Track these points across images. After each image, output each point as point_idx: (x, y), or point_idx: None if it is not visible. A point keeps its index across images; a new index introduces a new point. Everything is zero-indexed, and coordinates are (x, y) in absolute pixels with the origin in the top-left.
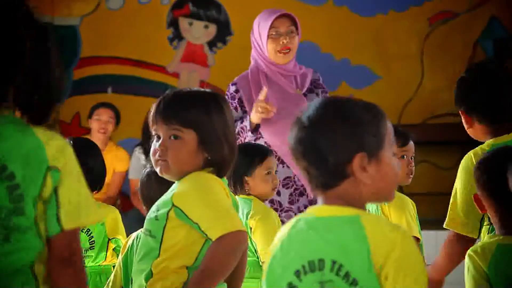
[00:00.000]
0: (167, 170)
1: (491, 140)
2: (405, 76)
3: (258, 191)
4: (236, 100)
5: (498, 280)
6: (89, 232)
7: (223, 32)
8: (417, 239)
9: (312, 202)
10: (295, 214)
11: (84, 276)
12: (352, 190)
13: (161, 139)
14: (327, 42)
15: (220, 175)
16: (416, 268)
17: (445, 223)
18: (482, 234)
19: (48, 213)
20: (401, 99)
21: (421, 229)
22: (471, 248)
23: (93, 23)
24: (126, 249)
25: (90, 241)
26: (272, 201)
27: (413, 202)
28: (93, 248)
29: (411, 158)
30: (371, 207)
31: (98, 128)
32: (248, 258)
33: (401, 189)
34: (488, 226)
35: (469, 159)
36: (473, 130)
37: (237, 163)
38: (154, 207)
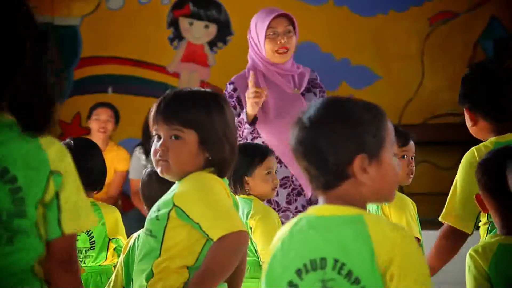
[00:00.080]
0: (168, 171)
1: (494, 138)
2: (405, 76)
3: (258, 191)
4: (234, 99)
5: (499, 280)
6: (90, 232)
7: (224, 32)
8: (418, 239)
9: (310, 202)
10: (293, 214)
11: (80, 277)
12: (353, 190)
13: (162, 139)
14: (327, 42)
15: (221, 175)
16: (416, 268)
17: (440, 216)
18: (481, 234)
19: (48, 216)
20: (402, 99)
21: (422, 229)
22: (472, 248)
23: (93, 23)
24: (127, 249)
25: (91, 241)
26: (269, 201)
27: (413, 202)
28: (94, 248)
29: (412, 158)
30: (371, 207)
31: (98, 127)
32: (248, 258)
33: (401, 189)
34: (487, 226)
35: (471, 155)
36: (476, 128)
37: (237, 163)
38: (155, 207)
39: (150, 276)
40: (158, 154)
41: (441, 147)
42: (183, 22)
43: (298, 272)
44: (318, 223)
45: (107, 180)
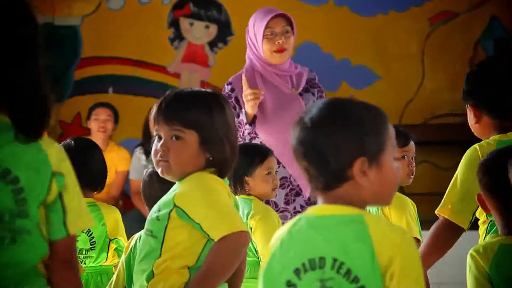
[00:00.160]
0: (169, 171)
1: (497, 136)
2: (405, 76)
3: (258, 191)
4: (233, 99)
5: (500, 280)
6: (90, 233)
7: (224, 32)
8: (417, 240)
9: (309, 202)
10: (291, 214)
11: (80, 276)
12: (352, 192)
13: (163, 139)
14: (328, 42)
15: (221, 175)
16: (416, 268)
17: (436, 209)
18: (480, 234)
19: (52, 217)
20: (402, 99)
21: (422, 229)
22: (473, 248)
23: (94, 23)
24: (129, 249)
25: (91, 241)
26: (267, 202)
27: (413, 202)
28: (94, 249)
29: (412, 159)
30: (371, 207)
31: (98, 127)
32: (248, 258)
33: (401, 189)
34: (486, 226)
35: (474, 151)
36: (479, 126)
37: (238, 163)
38: (155, 207)
39: (150, 276)
40: (159, 155)
41: (441, 147)
42: (184, 23)
43: (297, 272)
44: (318, 223)
45: (108, 180)
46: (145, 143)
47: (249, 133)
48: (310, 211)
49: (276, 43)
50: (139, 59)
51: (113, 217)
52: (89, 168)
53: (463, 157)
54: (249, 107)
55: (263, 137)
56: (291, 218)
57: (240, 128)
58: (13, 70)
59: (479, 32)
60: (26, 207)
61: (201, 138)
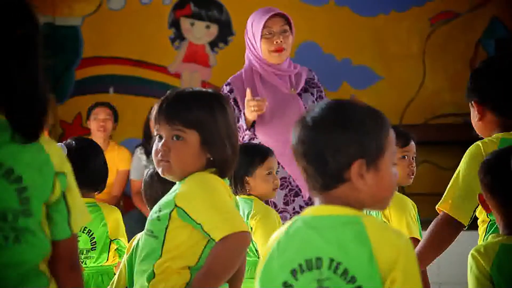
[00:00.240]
0: (169, 171)
1: (500, 134)
2: (406, 76)
3: (259, 191)
4: (231, 100)
5: (501, 281)
6: (91, 233)
7: (225, 32)
8: (418, 241)
9: (308, 202)
10: (290, 215)
11: (83, 276)
12: (349, 193)
13: (164, 139)
14: (329, 42)
15: (222, 175)
16: (417, 273)
17: (437, 204)
18: (479, 234)
19: (55, 217)
20: (403, 99)
21: (422, 229)
22: (474, 248)
23: (95, 23)
24: (131, 249)
25: (92, 242)
26: (266, 202)
27: (413, 202)
28: (95, 249)
29: (412, 159)
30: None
31: (97, 127)
32: (249, 258)
33: (402, 190)
34: (486, 225)
35: (477, 147)
36: (482, 124)
37: (238, 163)
38: (156, 208)
39: (151, 276)
40: (159, 155)
41: (442, 147)
42: (184, 23)
43: (293, 272)
44: (315, 223)
45: (109, 180)
46: (146, 143)
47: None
48: (307, 211)
49: (274, 42)
50: (139, 59)
51: (114, 217)
52: (90, 168)
53: (466, 153)
54: (250, 115)
55: (262, 138)
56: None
57: (240, 132)
58: (12, 70)
59: (480, 32)
60: (29, 206)
61: (202, 138)
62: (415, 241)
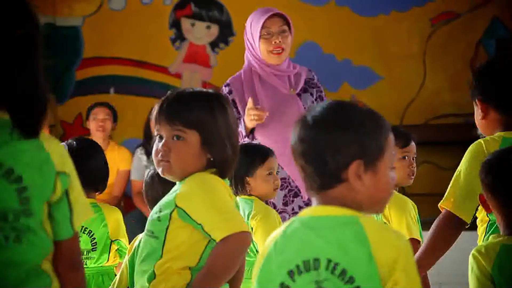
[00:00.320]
0: (170, 171)
1: (502, 132)
2: (407, 76)
3: (260, 191)
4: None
5: (502, 281)
6: (91, 234)
7: (225, 32)
8: (418, 241)
9: (307, 203)
10: (290, 215)
11: (85, 276)
12: (347, 194)
13: (164, 139)
14: (329, 43)
15: (222, 176)
16: (416, 274)
17: (440, 202)
18: (479, 234)
19: (58, 216)
20: (403, 100)
21: (423, 230)
22: (474, 248)
23: (95, 23)
24: (132, 250)
25: (92, 242)
26: (266, 203)
27: (413, 203)
28: (95, 250)
29: (413, 159)
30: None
31: (96, 127)
32: (249, 259)
33: (403, 190)
34: (485, 226)
35: (479, 145)
36: (486, 122)
37: (238, 163)
38: (156, 208)
39: (152, 277)
40: (159, 155)
41: (442, 148)
42: (185, 23)
43: (290, 274)
44: (313, 223)
45: (110, 180)
46: (146, 144)
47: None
48: (305, 212)
49: (273, 42)
50: (140, 59)
51: (115, 218)
52: (91, 169)
53: (467, 151)
54: (250, 123)
55: (261, 138)
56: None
57: (239, 137)
58: (12, 70)
59: (480, 32)
60: (29, 206)
61: (203, 139)
62: (415, 242)
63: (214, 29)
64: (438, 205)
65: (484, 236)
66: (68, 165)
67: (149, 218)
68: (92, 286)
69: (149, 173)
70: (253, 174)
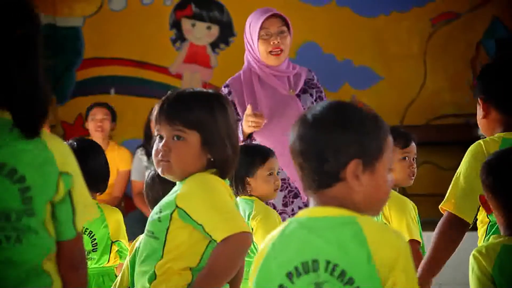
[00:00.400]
0: (169, 171)
1: (502, 133)
2: (407, 77)
3: (260, 192)
4: None
5: (503, 281)
6: (92, 235)
7: (226, 33)
8: (418, 242)
9: (307, 204)
10: (289, 216)
11: (87, 277)
12: (344, 193)
13: (164, 139)
14: (329, 43)
15: (223, 176)
16: (415, 274)
17: (440, 204)
18: (479, 235)
19: (61, 216)
20: (404, 100)
21: (423, 230)
22: (475, 249)
23: (96, 24)
24: (133, 250)
25: (93, 243)
26: (266, 203)
27: (413, 204)
28: (96, 250)
29: (413, 160)
30: None
31: (95, 127)
32: (249, 259)
33: (403, 190)
34: (486, 227)
35: (478, 145)
36: (487, 121)
37: (239, 164)
38: (156, 208)
39: (153, 277)
40: (160, 155)
41: (443, 148)
42: (186, 23)
43: (289, 276)
44: (310, 225)
45: (110, 180)
46: (147, 144)
47: None
48: (302, 213)
49: (271, 43)
50: (141, 60)
51: (115, 218)
52: (92, 169)
53: (467, 152)
54: (248, 129)
55: (260, 139)
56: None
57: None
58: (12, 70)
59: (481, 32)
60: (32, 206)
61: (203, 139)
62: (415, 243)
63: (215, 30)
64: (439, 206)
65: (485, 238)
66: (71, 165)
67: (149, 219)
68: (93, 286)
69: (150, 174)
70: (254, 175)
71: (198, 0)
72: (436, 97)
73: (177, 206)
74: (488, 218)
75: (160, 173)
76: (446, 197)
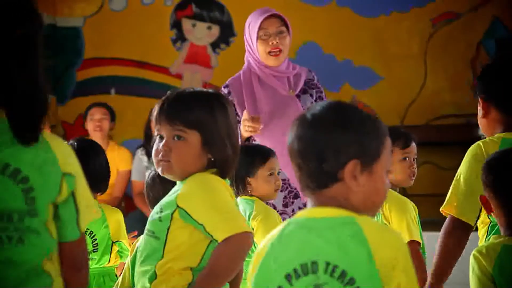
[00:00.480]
0: (170, 171)
1: (502, 134)
2: (408, 77)
3: (261, 192)
4: None
5: (503, 281)
6: (92, 235)
7: (226, 33)
8: (418, 243)
9: (306, 205)
10: (289, 216)
11: (88, 277)
12: (342, 194)
13: (164, 139)
14: (330, 43)
15: (223, 176)
16: (414, 274)
17: (441, 207)
18: (479, 236)
19: (64, 217)
20: (404, 100)
21: (423, 230)
22: (476, 249)
23: (96, 24)
24: (134, 250)
25: (94, 243)
26: (266, 204)
27: (414, 204)
28: (96, 251)
29: (413, 160)
30: None
31: (94, 127)
32: (250, 259)
33: (403, 191)
34: (486, 228)
35: (478, 147)
36: (487, 121)
37: (239, 164)
38: (157, 208)
39: (153, 277)
40: (160, 155)
41: (443, 148)
42: (186, 23)
43: (288, 277)
44: (310, 225)
45: (110, 180)
46: (147, 144)
47: None
48: (301, 213)
49: (270, 43)
50: (141, 60)
51: (116, 219)
52: (92, 170)
53: (467, 154)
54: (245, 134)
55: (260, 140)
56: None
57: None
58: (12, 70)
59: (481, 32)
60: (35, 206)
61: (203, 139)
62: (415, 243)
63: (215, 30)
64: (440, 209)
65: (485, 238)
66: (74, 166)
67: (149, 218)
68: (93, 287)
69: (151, 174)
70: (254, 175)
71: (199, 0)
72: (436, 97)
73: (178, 206)
74: (488, 218)
75: (160, 173)
76: (446, 200)
